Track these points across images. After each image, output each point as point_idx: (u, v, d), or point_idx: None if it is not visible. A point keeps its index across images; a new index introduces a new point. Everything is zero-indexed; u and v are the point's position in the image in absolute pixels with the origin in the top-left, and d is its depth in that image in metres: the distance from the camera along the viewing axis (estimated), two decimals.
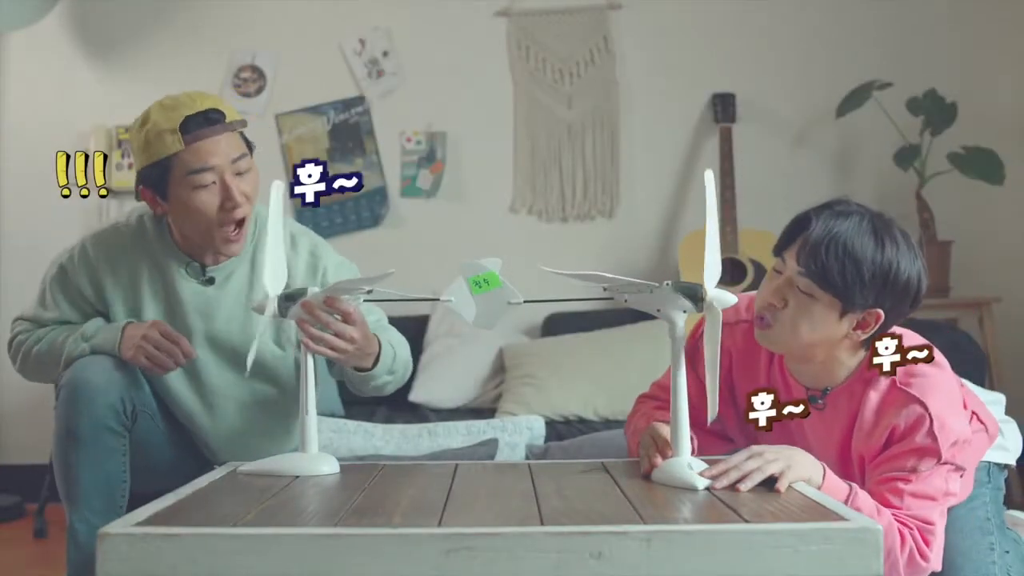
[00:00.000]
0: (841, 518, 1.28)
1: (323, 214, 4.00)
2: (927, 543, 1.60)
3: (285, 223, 2.03)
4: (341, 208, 4.04)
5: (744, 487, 1.48)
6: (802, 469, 1.54)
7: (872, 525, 1.24)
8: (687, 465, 1.54)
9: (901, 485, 1.61)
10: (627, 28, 4.07)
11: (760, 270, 3.69)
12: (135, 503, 1.75)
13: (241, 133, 1.99)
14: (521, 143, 4.07)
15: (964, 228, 3.88)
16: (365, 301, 1.91)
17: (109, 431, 1.91)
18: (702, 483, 1.49)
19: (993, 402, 1.93)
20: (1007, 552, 1.84)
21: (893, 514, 1.60)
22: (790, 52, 4.04)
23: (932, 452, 1.61)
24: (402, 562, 1.22)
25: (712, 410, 1.60)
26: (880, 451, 1.67)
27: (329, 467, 1.72)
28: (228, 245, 1.99)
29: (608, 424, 3.28)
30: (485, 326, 1.61)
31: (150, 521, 1.32)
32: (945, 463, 1.62)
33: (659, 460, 1.61)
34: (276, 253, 1.73)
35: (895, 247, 1.64)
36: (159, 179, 1.93)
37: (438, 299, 1.65)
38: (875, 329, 1.66)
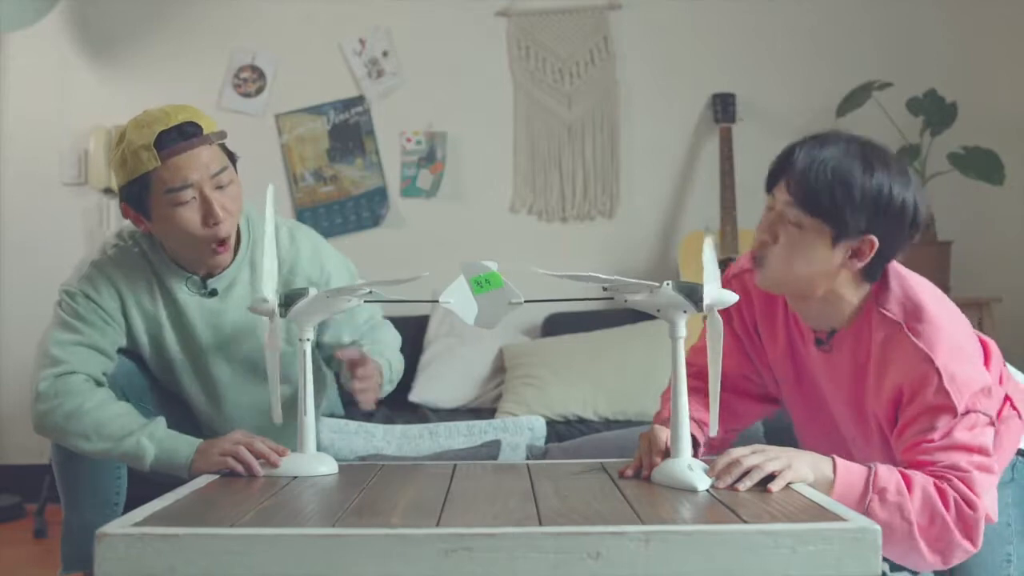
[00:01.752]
0: (839, 518, 1.28)
1: (323, 214, 4.00)
2: (971, 489, 1.51)
3: (280, 223, 2.02)
4: (341, 208, 4.04)
5: (743, 487, 1.48)
6: (803, 472, 1.51)
7: (870, 525, 1.24)
8: (687, 466, 1.54)
9: (926, 445, 1.54)
10: (627, 28, 4.07)
11: None
12: (133, 499, 1.77)
13: (222, 145, 1.93)
14: (521, 143, 4.07)
15: (964, 228, 3.88)
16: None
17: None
18: (702, 484, 1.49)
19: None
20: None
21: (926, 472, 1.53)
22: (790, 52, 4.04)
23: (946, 408, 1.54)
24: (401, 562, 1.22)
25: (713, 428, 1.60)
26: (893, 414, 1.61)
27: (327, 467, 1.72)
28: (215, 258, 1.96)
29: (608, 424, 3.28)
30: (486, 326, 1.61)
31: (148, 521, 1.32)
32: (967, 412, 1.55)
33: (658, 460, 1.60)
34: (271, 256, 1.74)
35: (886, 170, 1.60)
36: (139, 197, 1.88)
37: (437, 300, 1.65)
38: (872, 257, 1.61)
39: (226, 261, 1.97)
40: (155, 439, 1.81)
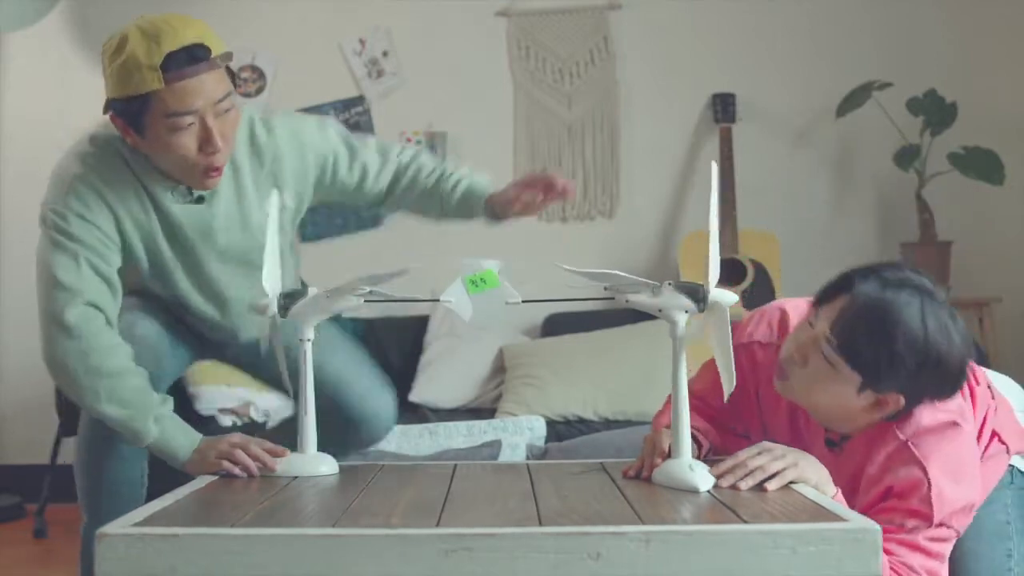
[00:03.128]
0: (839, 518, 1.28)
1: (323, 215, 3.99)
2: None
3: (254, 116, 1.96)
4: (341, 209, 4.04)
5: (744, 485, 1.47)
6: (807, 473, 1.49)
7: (870, 526, 1.24)
8: (688, 466, 1.53)
9: (889, 535, 1.51)
10: (627, 28, 4.07)
11: (760, 270, 3.70)
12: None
13: (227, 66, 1.80)
14: (521, 143, 4.07)
15: (964, 228, 3.88)
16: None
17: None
18: (703, 485, 1.49)
19: None
20: None
21: (888, 561, 1.51)
22: (790, 52, 4.05)
23: (925, 517, 1.52)
24: (400, 562, 1.22)
25: (728, 388, 1.56)
26: (873, 504, 1.58)
27: (328, 467, 1.72)
28: (206, 182, 1.85)
29: (608, 424, 3.28)
30: (483, 326, 1.61)
31: (148, 521, 1.32)
32: (939, 525, 1.53)
33: (659, 462, 1.60)
34: (272, 255, 1.73)
35: (941, 335, 1.50)
36: (135, 114, 1.76)
37: (437, 300, 1.65)
38: (892, 412, 1.57)
39: (214, 184, 1.86)
40: (160, 424, 1.79)
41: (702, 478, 1.49)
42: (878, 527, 1.24)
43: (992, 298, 3.76)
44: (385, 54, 4.10)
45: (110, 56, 1.74)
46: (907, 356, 1.50)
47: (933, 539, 1.54)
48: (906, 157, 3.76)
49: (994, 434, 1.71)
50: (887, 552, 1.51)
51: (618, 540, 1.22)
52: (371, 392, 2.18)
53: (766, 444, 1.54)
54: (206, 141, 1.76)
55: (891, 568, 1.52)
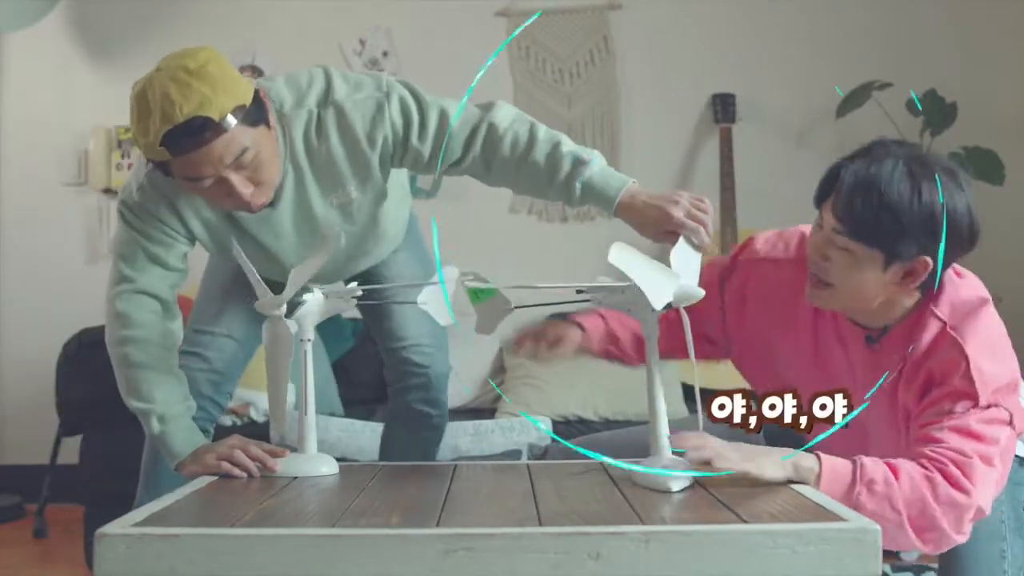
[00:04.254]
0: (839, 518, 1.28)
1: None
2: (968, 477, 1.49)
3: (307, 110, 1.89)
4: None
5: (694, 455, 1.45)
6: (767, 471, 1.46)
7: (870, 526, 1.24)
8: (664, 465, 1.51)
9: (939, 424, 1.53)
10: (627, 28, 4.08)
11: None
12: None
13: (246, 109, 1.69)
14: None
15: None
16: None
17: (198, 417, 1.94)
18: (676, 485, 1.47)
19: None
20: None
21: (928, 451, 1.51)
22: (790, 52, 4.05)
23: (969, 395, 1.53)
24: (400, 562, 1.22)
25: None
26: (919, 399, 1.60)
27: (328, 467, 1.72)
28: (251, 210, 1.81)
29: (608, 424, 3.28)
30: (486, 332, 1.65)
31: (148, 521, 1.32)
32: (988, 406, 1.53)
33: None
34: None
35: (936, 188, 1.53)
36: (162, 168, 1.74)
37: (414, 303, 1.70)
38: (926, 276, 1.59)
39: (261, 209, 1.81)
40: (164, 423, 1.81)
41: (676, 478, 1.48)
42: (878, 527, 1.24)
43: (992, 298, 3.75)
44: (385, 54, 4.10)
45: (130, 117, 1.72)
46: (910, 214, 1.53)
47: (986, 421, 1.53)
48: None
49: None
50: (938, 440, 1.52)
51: (618, 540, 1.22)
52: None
53: (737, 444, 1.51)
54: (230, 193, 1.73)
55: (933, 458, 1.50)
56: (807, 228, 1.80)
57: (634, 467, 1.48)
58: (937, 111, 3.75)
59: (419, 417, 2.26)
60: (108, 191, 3.96)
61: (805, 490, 1.46)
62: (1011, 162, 3.69)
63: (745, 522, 1.27)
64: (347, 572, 1.23)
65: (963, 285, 1.67)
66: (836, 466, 1.50)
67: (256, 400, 3.31)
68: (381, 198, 1.99)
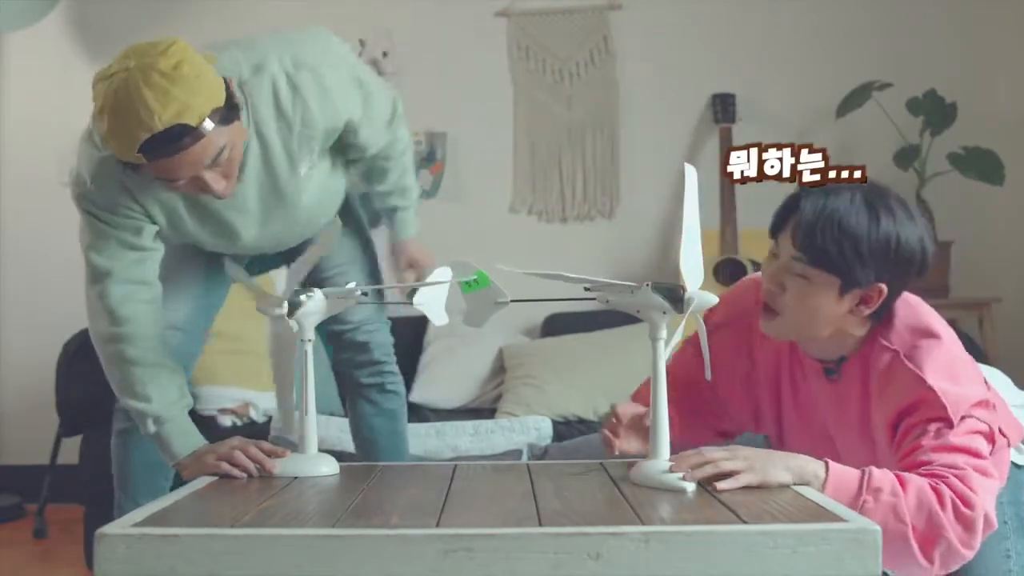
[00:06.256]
0: (839, 519, 1.28)
1: None
2: (969, 487, 1.50)
3: (277, 68, 1.83)
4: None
5: (691, 477, 1.46)
6: (772, 475, 1.47)
7: (870, 526, 1.24)
8: (667, 467, 1.52)
9: (921, 448, 1.54)
10: (627, 28, 4.08)
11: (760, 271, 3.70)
12: None
13: (221, 111, 1.66)
14: (521, 143, 4.07)
15: (964, 228, 3.88)
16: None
17: None
18: (681, 484, 1.47)
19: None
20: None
21: (922, 472, 1.52)
22: (790, 52, 4.05)
23: (942, 419, 1.55)
24: (400, 563, 1.22)
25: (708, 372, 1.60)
26: (892, 436, 1.62)
27: (328, 468, 1.72)
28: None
29: None
30: (475, 324, 1.63)
31: (148, 522, 1.32)
32: (963, 419, 1.55)
33: (609, 434, 1.66)
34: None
35: (891, 218, 1.60)
36: (129, 166, 1.69)
37: (408, 303, 1.71)
38: (880, 303, 1.63)
39: (229, 195, 1.79)
40: (160, 425, 1.80)
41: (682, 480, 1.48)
42: (878, 527, 1.24)
43: (992, 298, 3.76)
44: (385, 54, 4.09)
45: (95, 114, 1.65)
46: (868, 242, 1.59)
47: (965, 433, 1.55)
48: (906, 157, 3.76)
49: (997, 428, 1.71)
50: (926, 463, 1.53)
51: (618, 540, 1.22)
52: None
53: (734, 447, 1.53)
54: (204, 189, 1.71)
55: (933, 474, 1.50)
56: (750, 278, 1.84)
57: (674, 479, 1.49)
58: (937, 111, 3.75)
59: (376, 387, 2.30)
60: None
61: (805, 491, 1.46)
62: (1011, 162, 3.69)
63: (745, 522, 1.27)
64: (347, 572, 1.23)
65: (907, 310, 1.69)
66: (843, 474, 1.51)
67: (256, 400, 3.32)
68: (327, 171, 2.00)
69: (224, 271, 2.02)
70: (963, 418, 1.56)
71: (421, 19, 4.08)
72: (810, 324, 1.66)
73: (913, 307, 1.69)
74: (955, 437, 1.55)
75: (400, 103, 2.11)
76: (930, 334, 1.64)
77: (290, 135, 1.85)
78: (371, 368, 2.28)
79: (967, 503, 1.49)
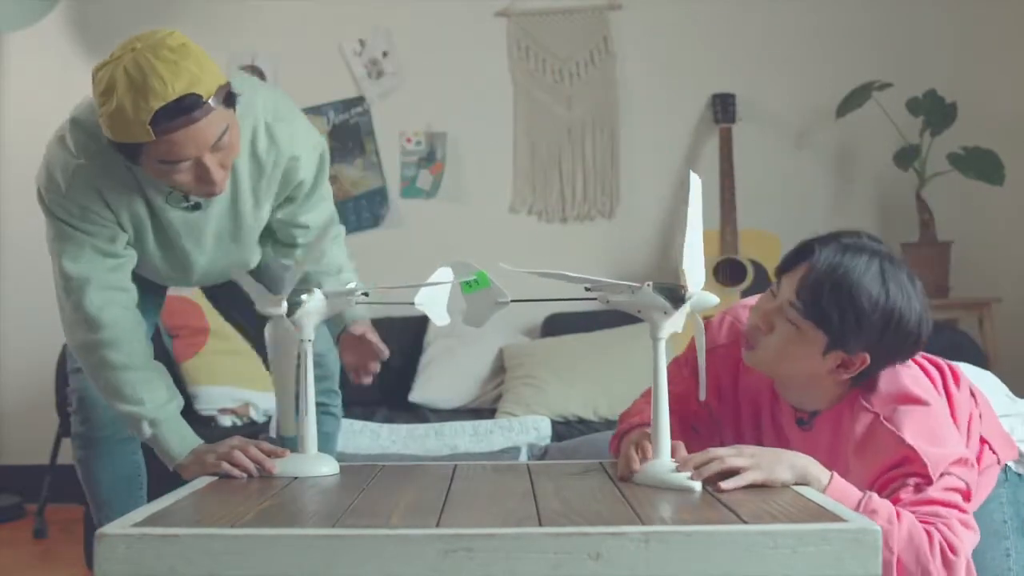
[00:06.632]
0: (839, 519, 1.28)
1: None
2: (954, 534, 1.49)
3: (259, 112, 1.88)
4: (341, 209, 4.00)
5: (698, 475, 1.46)
6: (778, 474, 1.48)
7: (870, 526, 1.24)
8: (671, 467, 1.52)
9: (901, 496, 1.54)
10: (627, 28, 4.08)
11: (760, 270, 3.69)
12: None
13: (225, 90, 1.70)
14: (521, 143, 4.07)
15: (964, 228, 3.88)
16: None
17: (121, 438, 1.97)
18: (689, 484, 1.47)
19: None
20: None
21: (914, 515, 1.52)
22: (790, 52, 4.05)
23: (923, 476, 1.54)
24: (400, 563, 1.22)
25: (702, 393, 1.60)
26: (871, 486, 1.59)
27: (328, 468, 1.72)
28: (208, 198, 1.83)
29: (608, 425, 3.27)
30: (475, 324, 1.63)
31: (148, 522, 1.32)
32: (941, 475, 1.54)
33: (637, 466, 1.59)
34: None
35: (901, 294, 1.57)
36: (130, 153, 1.69)
37: (411, 303, 1.70)
38: (858, 372, 1.61)
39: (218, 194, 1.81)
40: (156, 427, 1.80)
41: (686, 479, 1.48)
42: (878, 528, 1.24)
43: (992, 298, 3.76)
44: (385, 54, 4.10)
45: (99, 97, 1.65)
46: (871, 314, 1.56)
47: (944, 489, 1.54)
48: (906, 157, 3.76)
49: (983, 442, 1.71)
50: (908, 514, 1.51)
51: (618, 540, 1.22)
52: None
53: (740, 446, 1.54)
54: (202, 177, 1.71)
55: (921, 521, 1.49)
56: (738, 305, 1.82)
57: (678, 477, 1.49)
58: (937, 111, 3.75)
59: (320, 407, 2.20)
60: None
61: (806, 490, 1.46)
62: (1011, 162, 3.69)
63: (745, 522, 1.27)
64: (347, 572, 1.23)
65: (895, 381, 1.64)
66: (845, 487, 1.52)
67: (256, 400, 3.32)
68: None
69: (150, 301, 2.03)
70: (942, 475, 1.54)
71: (421, 19, 4.08)
72: (786, 363, 1.64)
73: (899, 375, 1.65)
74: (934, 492, 1.53)
75: (341, 230, 2.15)
76: (913, 400, 1.61)
77: (260, 178, 1.90)
78: (323, 384, 2.23)
79: (953, 549, 1.49)
